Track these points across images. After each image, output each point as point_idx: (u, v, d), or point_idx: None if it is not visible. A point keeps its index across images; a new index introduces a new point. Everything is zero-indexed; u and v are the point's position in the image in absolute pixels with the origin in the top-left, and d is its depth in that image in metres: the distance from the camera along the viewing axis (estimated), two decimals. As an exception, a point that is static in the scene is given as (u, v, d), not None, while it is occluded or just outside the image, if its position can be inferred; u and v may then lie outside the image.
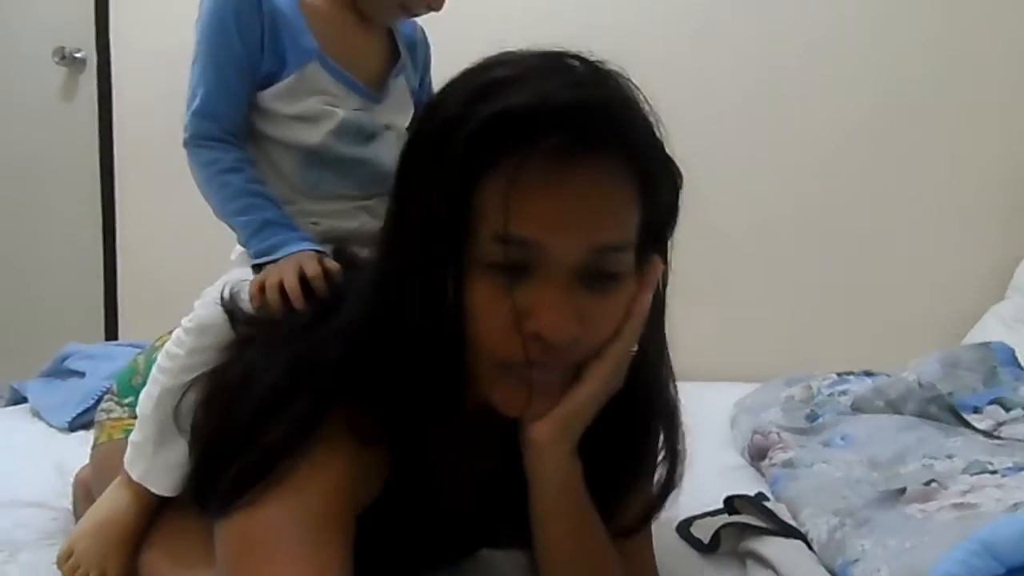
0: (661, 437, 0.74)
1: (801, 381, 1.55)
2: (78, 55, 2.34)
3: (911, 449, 1.11)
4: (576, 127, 0.58)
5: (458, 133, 0.58)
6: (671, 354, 0.73)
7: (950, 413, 1.23)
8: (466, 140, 0.58)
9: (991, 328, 1.84)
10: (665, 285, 0.70)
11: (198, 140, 0.95)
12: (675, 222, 0.69)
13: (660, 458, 0.75)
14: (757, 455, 1.28)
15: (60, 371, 1.67)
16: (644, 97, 0.63)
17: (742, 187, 2.05)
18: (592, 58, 0.63)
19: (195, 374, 0.76)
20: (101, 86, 2.30)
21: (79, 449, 1.32)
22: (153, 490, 0.87)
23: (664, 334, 0.72)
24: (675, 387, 0.74)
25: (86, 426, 1.46)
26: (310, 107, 0.96)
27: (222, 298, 0.81)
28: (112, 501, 0.89)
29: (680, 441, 0.74)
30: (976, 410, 1.26)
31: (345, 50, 0.99)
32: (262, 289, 0.82)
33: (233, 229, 0.95)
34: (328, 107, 0.96)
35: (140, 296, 2.33)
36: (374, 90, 1.02)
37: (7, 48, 2.43)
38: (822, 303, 2.07)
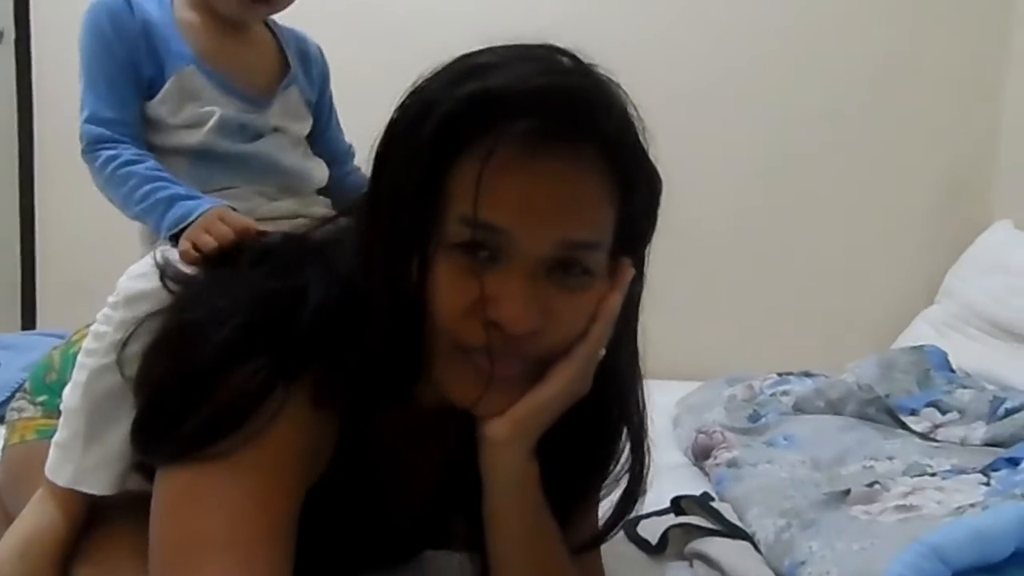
0: (625, 447, 0.72)
1: (742, 381, 1.56)
2: (-5, 28, 2.20)
3: (852, 450, 1.13)
4: (551, 112, 0.57)
5: (435, 112, 0.58)
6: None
7: (888, 415, 1.26)
8: (442, 119, 0.57)
9: (922, 332, 1.89)
10: (640, 292, 0.69)
11: (93, 146, 0.94)
12: (653, 229, 0.68)
13: (621, 468, 0.73)
14: (701, 454, 1.28)
15: (-32, 362, 1.56)
16: (630, 100, 0.62)
17: (683, 192, 2.05)
18: (580, 55, 0.62)
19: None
20: (20, 61, 2.17)
21: (-10, 446, 1.24)
22: (88, 491, 0.81)
23: (636, 343, 0.70)
24: (644, 398, 0.72)
25: (0, 419, 1.37)
26: (190, 113, 0.96)
27: (155, 261, 0.78)
28: (35, 516, 0.81)
29: (645, 454, 0.72)
30: (913, 412, 1.29)
31: (224, 58, 1.00)
32: (195, 246, 0.80)
33: (143, 219, 0.93)
34: (207, 109, 0.97)
35: (59, 283, 2.21)
36: (261, 97, 1.02)
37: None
38: (761, 304, 2.10)
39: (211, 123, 0.96)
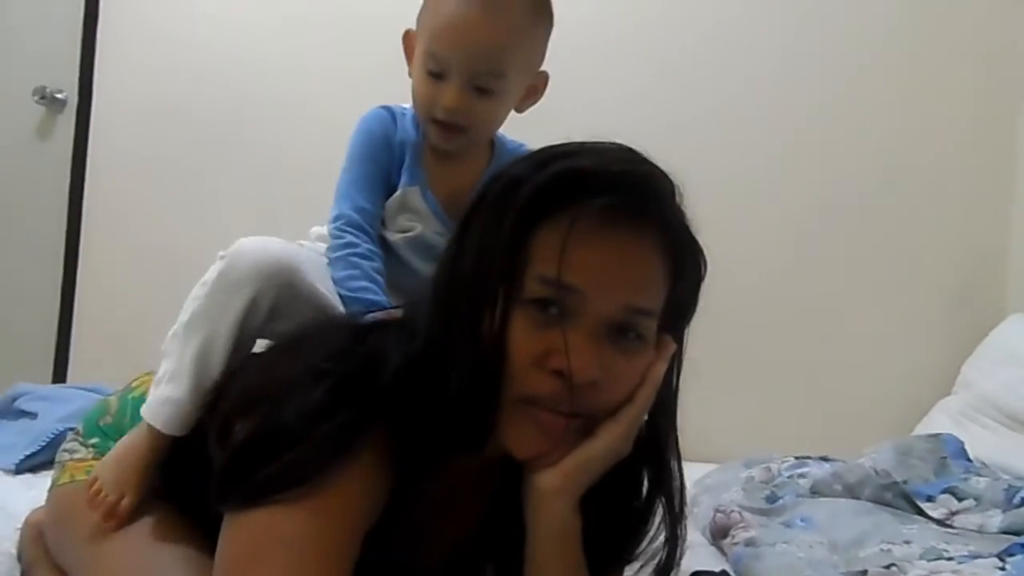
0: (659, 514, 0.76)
1: (760, 463, 1.58)
2: (59, 95, 2.33)
3: (869, 534, 1.14)
4: (627, 192, 0.66)
5: (524, 186, 0.67)
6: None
7: (905, 500, 1.27)
8: (533, 190, 0.66)
9: (938, 421, 1.90)
10: (680, 367, 0.75)
11: (342, 225, 1.05)
12: (695, 309, 0.75)
13: (654, 539, 0.77)
14: (719, 533, 1.29)
15: (10, 411, 1.61)
16: (680, 189, 0.71)
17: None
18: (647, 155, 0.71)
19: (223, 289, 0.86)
20: (79, 128, 2.30)
21: (25, 492, 1.28)
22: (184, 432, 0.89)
23: (675, 416, 0.76)
24: (681, 469, 0.76)
25: (34, 469, 1.41)
26: (401, 223, 1.09)
27: None
28: (131, 437, 0.93)
29: (681, 521, 0.76)
30: (930, 499, 1.30)
31: (442, 182, 1.10)
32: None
33: (342, 300, 1.00)
34: (412, 223, 1.08)
35: (94, 340, 2.28)
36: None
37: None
38: (779, 389, 2.12)
39: (411, 235, 1.08)
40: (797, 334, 2.13)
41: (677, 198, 0.70)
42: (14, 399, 1.63)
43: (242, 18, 2.22)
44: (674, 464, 0.75)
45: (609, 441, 0.68)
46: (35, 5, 2.39)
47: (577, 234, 0.64)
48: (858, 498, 1.30)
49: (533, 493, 0.68)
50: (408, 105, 1.10)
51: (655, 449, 0.73)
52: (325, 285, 0.97)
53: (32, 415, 1.55)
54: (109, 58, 2.30)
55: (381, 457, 0.66)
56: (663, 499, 0.75)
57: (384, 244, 1.08)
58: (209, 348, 0.89)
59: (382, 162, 1.07)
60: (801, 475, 1.43)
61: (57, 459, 1.05)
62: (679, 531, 0.76)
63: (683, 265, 0.70)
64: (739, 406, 2.11)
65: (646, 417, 0.70)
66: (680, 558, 0.76)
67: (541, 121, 1.09)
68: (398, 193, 1.07)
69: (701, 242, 0.72)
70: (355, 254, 1.01)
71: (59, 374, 2.28)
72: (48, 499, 1.03)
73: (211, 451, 0.71)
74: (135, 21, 2.30)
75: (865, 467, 1.36)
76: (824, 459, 1.57)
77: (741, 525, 1.26)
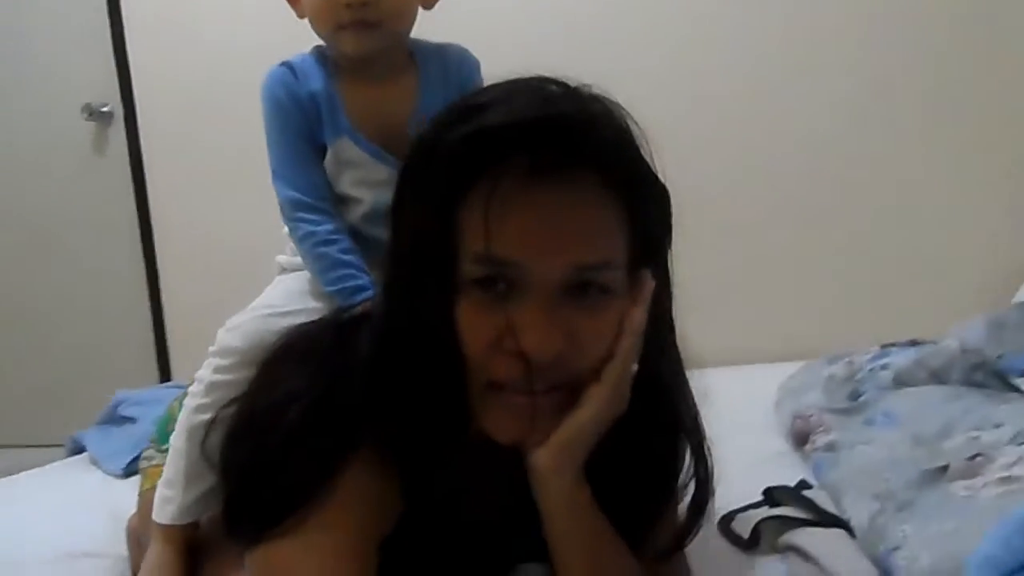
0: (687, 457, 0.73)
1: (843, 358, 1.50)
2: (104, 109, 2.41)
3: (957, 421, 1.07)
4: (545, 144, 0.59)
5: (437, 157, 0.61)
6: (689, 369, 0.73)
7: (998, 379, 1.19)
8: (443, 163, 0.60)
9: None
10: (669, 300, 0.70)
11: (291, 212, 1.00)
12: (669, 238, 0.68)
13: (689, 477, 0.74)
14: (799, 440, 1.25)
15: (114, 418, 1.72)
16: (627, 116, 0.64)
17: (771, 169, 2.01)
18: (572, 81, 0.63)
19: (220, 393, 0.81)
20: (129, 137, 2.37)
21: (134, 495, 1.37)
22: (190, 520, 0.92)
23: (676, 351, 0.71)
24: (695, 405, 0.72)
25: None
26: (344, 188, 1.01)
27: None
28: (151, 556, 0.94)
29: (707, 462, 0.73)
30: (1024, 373, 1.21)
31: (374, 119, 1.00)
32: None
33: (332, 296, 0.99)
34: (359, 190, 1.00)
35: (188, 335, 2.40)
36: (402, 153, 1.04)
37: (38, 108, 2.53)
38: (863, 274, 2.01)
39: (364, 210, 1.02)
40: (880, 208, 2.00)
41: (612, 129, 0.63)
42: (116, 406, 1.74)
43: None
44: (688, 398, 0.72)
45: (596, 407, 0.63)
46: (62, 25, 2.46)
47: (499, 201, 0.58)
48: (946, 383, 1.22)
49: (532, 473, 0.65)
50: (305, 51, 1.02)
51: (661, 390, 0.69)
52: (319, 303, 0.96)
53: (132, 420, 1.65)
54: (143, 65, 2.35)
55: (376, 464, 0.65)
56: (685, 434, 0.72)
57: (351, 229, 1.01)
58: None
59: (299, 126, 0.98)
60: (884, 366, 1.35)
61: (140, 467, 1.12)
62: (706, 464, 0.72)
63: (638, 198, 0.63)
64: (826, 298, 2.02)
65: (636, 367, 0.65)
66: (712, 489, 0.73)
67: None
68: (329, 152, 0.99)
69: (656, 157, 0.64)
70: (317, 243, 0.97)
71: (164, 374, 2.42)
72: (138, 505, 1.11)
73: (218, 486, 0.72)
74: (161, 24, 2.32)
75: (952, 347, 1.27)
76: (913, 343, 1.48)
77: (821, 429, 1.21)
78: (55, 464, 1.66)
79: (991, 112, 1.94)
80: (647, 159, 0.64)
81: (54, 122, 2.50)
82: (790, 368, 1.63)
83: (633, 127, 0.64)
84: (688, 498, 0.75)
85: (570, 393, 0.64)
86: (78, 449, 1.72)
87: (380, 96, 1.00)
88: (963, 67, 1.94)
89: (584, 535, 0.67)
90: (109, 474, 1.54)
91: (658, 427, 0.70)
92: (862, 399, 1.28)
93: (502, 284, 0.60)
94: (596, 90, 0.64)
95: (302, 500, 0.63)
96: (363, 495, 0.65)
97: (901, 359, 1.35)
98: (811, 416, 1.26)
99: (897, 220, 2.00)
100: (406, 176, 0.65)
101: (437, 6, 1.04)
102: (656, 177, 0.65)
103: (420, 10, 1.01)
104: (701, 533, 0.99)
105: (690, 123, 1.99)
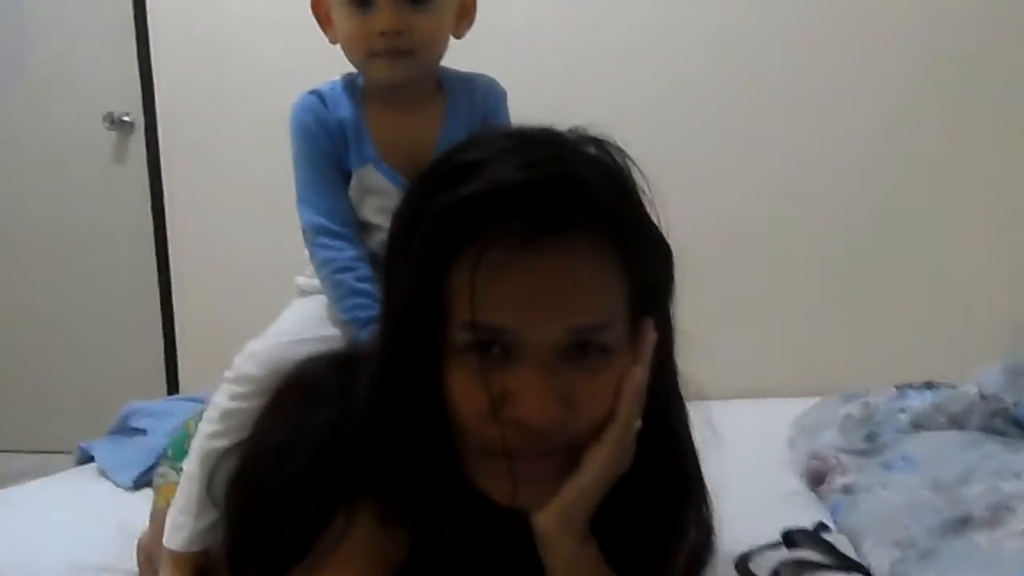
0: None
1: (859, 397, 1.50)
2: (126, 119, 2.43)
3: (976, 468, 1.07)
4: (531, 210, 0.56)
5: (421, 224, 0.59)
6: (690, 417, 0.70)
7: (1017, 426, 1.18)
8: (428, 230, 0.58)
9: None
10: (671, 349, 0.68)
11: (314, 237, 1.01)
12: (671, 286, 0.66)
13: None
14: (815, 480, 1.25)
15: (124, 429, 1.72)
16: (624, 159, 0.62)
17: (793, 194, 2.01)
18: (564, 130, 0.62)
19: (235, 421, 0.79)
20: (149, 147, 2.39)
21: (144, 509, 1.36)
22: (201, 548, 0.91)
23: (681, 399, 0.69)
24: (696, 455, 0.71)
25: (150, 484, 1.50)
26: (367, 214, 1.02)
27: None
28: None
29: (708, 513, 0.71)
30: (1045, 422, 1.21)
31: (399, 144, 1.01)
32: None
33: (346, 322, 0.99)
34: (381, 217, 1.00)
35: (198, 347, 2.40)
36: None
37: (60, 116, 2.54)
38: (881, 312, 2.01)
39: (382, 239, 1.00)
40: (899, 245, 2.00)
41: (606, 184, 0.60)
42: (126, 417, 1.73)
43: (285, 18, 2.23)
44: (692, 452, 0.70)
45: (597, 468, 0.61)
46: (87, 34, 2.48)
47: (486, 269, 0.56)
48: (964, 429, 1.22)
49: (537, 535, 0.64)
50: (335, 77, 1.03)
51: (665, 441, 0.67)
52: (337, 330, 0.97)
53: (143, 432, 1.64)
54: (166, 75, 2.36)
55: (378, 512, 0.64)
56: (690, 491, 0.70)
57: (371, 256, 1.01)
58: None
59: (327, 152, 1.00)
60: (902, 409, 1.35)
61: (153, 484, 1.12)
62: (708, 524, 0.71)
63: (636, 251, 0.61)
64: (841, 333, 2.02)
65: (639, 423, 0.62)
66: (712, 551, 0.72)
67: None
68: (353, 178, 1.00)
69: (655, 203, 0.62)
70: (336, 269, 0.97)
71: (172, 386, 2.42)
72: (151, 523, 1.10)
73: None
74: (186, 36, 2.34)
75: (970, 393, 1.28)
76: (928, 385, 1.48)
77: (838, 470, 1.21)
78: (64, 473, 1.66)
79: (1018, 150, 1.94)
80: (644, 206, 0.62)
81: (76, 130, 2.51)
82: (804, 403, 1.63)
83: (631, 172, 0.62)
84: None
85: (571, 454, 0.62)
86: (87, 458, 1.71)
87: (407, 123, 1.01)
88: (990, 102, 1.94)
89: None
90: (119, 486, 1.54)
91: (665, 477, 0.68)
92: (880, 441, 1.28)
93: (497, 348, 0.58)
94: (590, 134, 0.62)
95: (304, 549, 0.62)
96: (367, 544, 0.63)
97: (918, 402, 1.35)
98: (828, 456, 1.25)
99: (916, 255, 1.99)
100: (394, 238, 0.63)
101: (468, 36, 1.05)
102: (653, 225, 0.63)
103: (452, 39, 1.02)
104: (717, 572, 1.00)
105: (709, 153, 2.00)
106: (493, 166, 0.58)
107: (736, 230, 2.00)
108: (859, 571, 0.93)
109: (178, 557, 0.92)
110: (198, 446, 0.93)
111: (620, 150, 0.63)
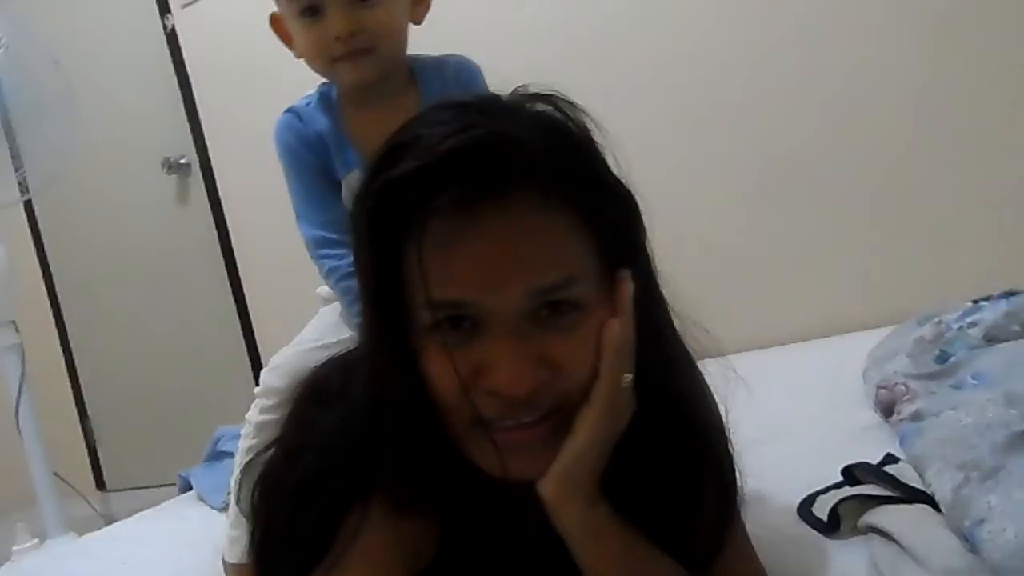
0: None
1: (933, 318, 1.41)
2: (182, 161, 2.55)
3: (1053, 375, 0.99)
4: (465, 176, 0.55)
5: (366, 210, 0.59)
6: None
7: (1098, 325, 1.09)
8: (374, 215, 0.58)
9: None
10: (659, 295, 0.65)
11: (315, 250, 1.04)
12: (642, 233, 0.64)
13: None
14: (885, 410, 1.19)
15: (216, 454, 1.81)
16: (580, 115, 0.60)
17: (854, 122, 1.91)
18: (508, 93, 0.61)
19: (268, 433, 0.80)
20: (208, 185, 2.49)
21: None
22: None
23: (683, 348, 0.67)
24: (712, 398, 0.69)
25: (239, 502, 1.58)
26: None
27: None
28: None
29: (730, 458, 0.69)
30: None
31: (377, 137, 1.00)
32: None
33: (355, 323, 1.01)
34: None
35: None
36: None
37: (122, 165, 2.69)
38: (952, 229, 1.88)
39: None
40: (969, 158, 1.86)
41: (552, 133, 0.58)
42: (217, 441, 1.83)
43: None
44: (705, 398, 0.68)
45: (590, 430, 0.59)
46: (134, 83, 2.60)
47: (434, 244, 0.55)
48: (1040, 335, 1.13)
49: (545, 505, 0.62)
50: (309, 91, 1.04)
51: (671, 390, 0.65)
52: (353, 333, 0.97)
53: (231, 455, 1.73)
54: (212, 115, 2.46)
55: (395, 506, 0.64)
56: (708, 437, 0.68)
57: None
58: None
59: (313, 166, 1.02)
60: (972, 323, 1.26)
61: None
62: (732, 472, 0.69)
63: (594, 203, 0.59)
64: (916, 257, 1.90)
65: (630, 377, 0.60)
66: (739, 494, 0.70)
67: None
68: (343, 186, 1.02)
69: (609, 148, 0.60)
70: (341, 276, 1.00)
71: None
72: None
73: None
74: (222, 72, 2.42)
75: (1045, 296, 1.18)
76: (1009, 294, 1.37)
77: (906, 398, 1.14)
78: (167, 502, 1.76)
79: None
80: (600, 157, 0.60)
81: (138, 178, 2.65)
82: (882, 334, 1.54)
83: (584, 124, 0.60)
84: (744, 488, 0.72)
85: (565, 418, 0.60)
86: (187, 486, 1.82)
87: (385, 119, 0.99)
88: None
89: (610, 553, 0.64)
90: (214, 508, 1.62)
91: (675, 430, 0.66)
92: (951, 361, 1.19)
93: (467, 322, 0.57)
94: (535, 91, 0.60)
95: (325, 549, 0.63)
96: (385, 538, 0.64)
97: (991, 314, 1.26)
98: (896, 385, 1.18)
99: (990, 170, 1.85)
100: (353, 228, 0.63)
101: (431, 20, 1.05)
102: (612, 174, 0.61)
103: (414, 26, 1.03)
104: (779, 520, 0.96)
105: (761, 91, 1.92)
106: (424, 140, 0.57)
107: (807, 164, 1.91)
108: (923, 501, 0.87)
109: (238, 569, 0.96)
110: (238, 461, 0.97)
111: (571, 103, 0.61)
